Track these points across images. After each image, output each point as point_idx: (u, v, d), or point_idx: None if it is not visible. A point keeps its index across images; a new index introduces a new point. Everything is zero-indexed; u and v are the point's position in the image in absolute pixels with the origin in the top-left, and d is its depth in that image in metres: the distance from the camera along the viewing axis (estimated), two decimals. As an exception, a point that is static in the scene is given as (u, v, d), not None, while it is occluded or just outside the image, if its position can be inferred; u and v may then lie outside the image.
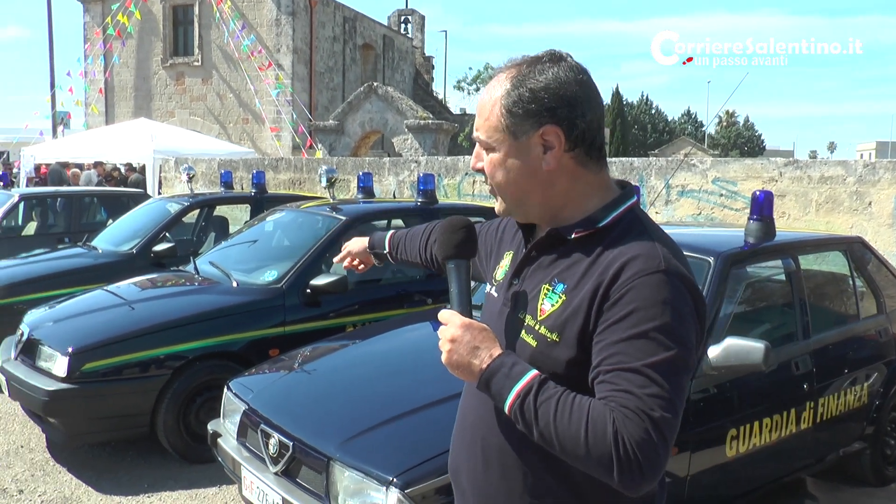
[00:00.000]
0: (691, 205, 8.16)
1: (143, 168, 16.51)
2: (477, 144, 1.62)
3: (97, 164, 17.29)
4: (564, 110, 1.51)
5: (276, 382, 3.98)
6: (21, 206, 10.26)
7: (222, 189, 8.88)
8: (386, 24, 36.34)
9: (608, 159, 1.67)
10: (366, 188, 6.91)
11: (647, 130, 56.70)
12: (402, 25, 38.64)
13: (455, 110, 40.80)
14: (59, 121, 25.78)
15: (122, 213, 8.61)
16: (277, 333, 5.00)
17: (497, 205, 1.65)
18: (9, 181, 14.17)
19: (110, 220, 9.33)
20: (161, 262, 6.70)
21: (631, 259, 1.45)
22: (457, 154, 16.83)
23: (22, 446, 5.16)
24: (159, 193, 13.78)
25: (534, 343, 1.54)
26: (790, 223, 7.39)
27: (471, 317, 1.56)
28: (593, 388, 1.43)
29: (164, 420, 4.70)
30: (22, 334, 5.12)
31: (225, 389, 3.95)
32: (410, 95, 30.77)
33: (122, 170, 18.55)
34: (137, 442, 5.00)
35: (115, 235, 7.57)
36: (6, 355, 5.16)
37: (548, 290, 1.55)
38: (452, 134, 21.83)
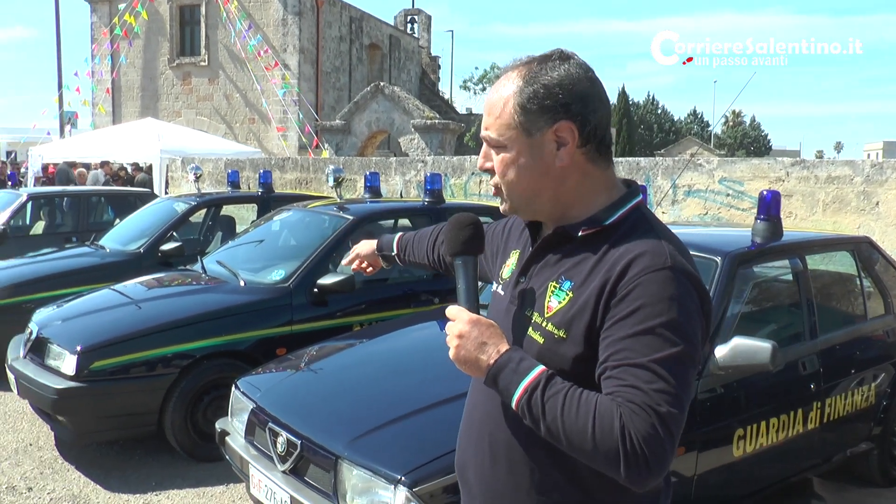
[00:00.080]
0: (698, 205, 8.15)
1: (150, 168, 16.57)
2: (484, 144, 1.63)
3: (104, 164, 17.36)
4: (577, 106, 1.52)
5: (284, 381, 4.00)
6: (29, 205, 10.31)
7: (229, 189, 8.90)
8: (392, 23, 36.36)
9: (615, 159, 1.68)
10: (373, 188, 6.92)
11: (653, 130, 56.63)
12: (409, 25, 38.66)
13: (461, 110, 40.85)
14: (67, 121, 25.91)
15: (130, 213, 8.63)
16: (285, 332, 5.01)
17: (503, 206, 1.65)
18: (17, 181, 14.24)
19: (117, 220, 9.36)
20: (168, 262, 6.72)
21: (638, 256, 1.46)
22: (463, 154, 16.85)
23: (31, 444, 5.18)
24: (166, 193, 13.83)
25: (541, 340, 1.55)
26: (797, 223, 7.37)
27: (478, 313, 1.57)
28: (600, 384, 1.44)
29: (172, 418, 4.71)
30: (31, 333, 5.15)
31: (233, 388, 3.96)
32: (417, 95, 30.81)
33: (129, 169, 18.62)
34: (145, 440, 5.02)
35: (123, 235, 7.59)
36: (15, 354, 5.19)
37: (555, 287, 1.56)
38: (459, 134, 21.85)
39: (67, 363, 4.60)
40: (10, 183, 14.52)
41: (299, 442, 3.25)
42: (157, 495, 4.45)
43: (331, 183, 6.88)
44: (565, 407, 1.40)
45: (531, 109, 1.52)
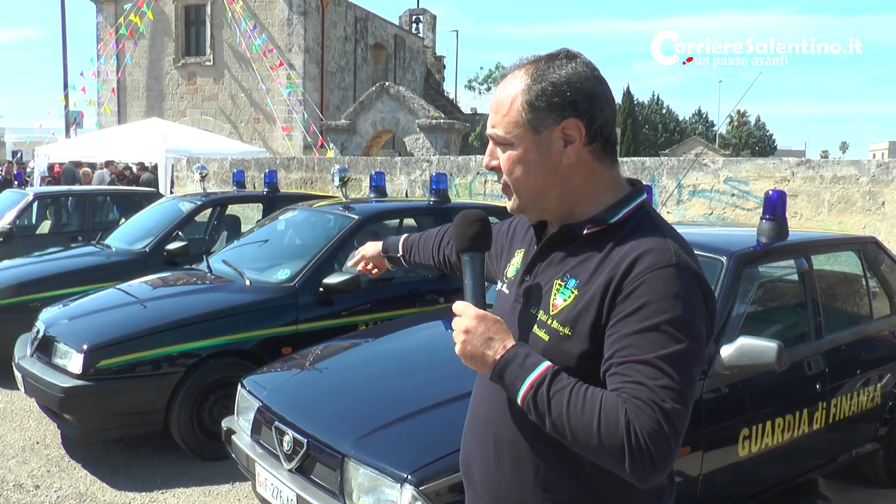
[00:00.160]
0: (703, 204, 8.14)
1: (156, 167, 16.61)
2: (490, 142, 1.64)
3: (108, 164, 17.40)
4: (585, 104, 1.53)
5: (290, 380, 4.01)
6: (35, 205, 10.34)
7: (234, 188, 8.92)
8: (397, 23, 36.38)
9: (620, 159, 1.68)
10: (378, 187, 6.93)
11: (657, 130, 56.54)
12: (414, 25, 38.67)
13: (466, 110, 40.81)
14: (73, 120, 25.98)
15: (135, 212, 8.66)
16: (290, 332, 5.02)
17: (510, 203, 1.66)
18: (23, 180, 14.30)
19: (123, 219, 9.39)
20: (174, 261, 6.74)
21: (643, 253, 1.47)
22: (468, 154, 16.84)
23: (38, 442, 5.20)
24: (171, 192, 13.86)
25: (546, 337, 1.56)
26: (802, 223, 7.36)
27: (485, 309, 1.57)
28: (605, 381, 1.45)
29: (178, 417, 4.73)
30: (37, 332, 5.17)
31: (239, 387, 3.97)
32: (422, 95, 30.80)
33: (134, 169, 18.66)
34: (151, 439, 5.03)
35: (129, 234, 7.62)
36: (22, 352, 5.21)
37: (560, 285, 1.57)
38: (464, 133, 21.85)
39: (74, 362, 4.61)
40: (16, 182, 14.60)
41: (305, 440, 3.26)
42: (163, 493, 4.46)
43: (336, 182, 6.88)
44: (571, 402, 1.40)
45: (539, 107, 1.53)
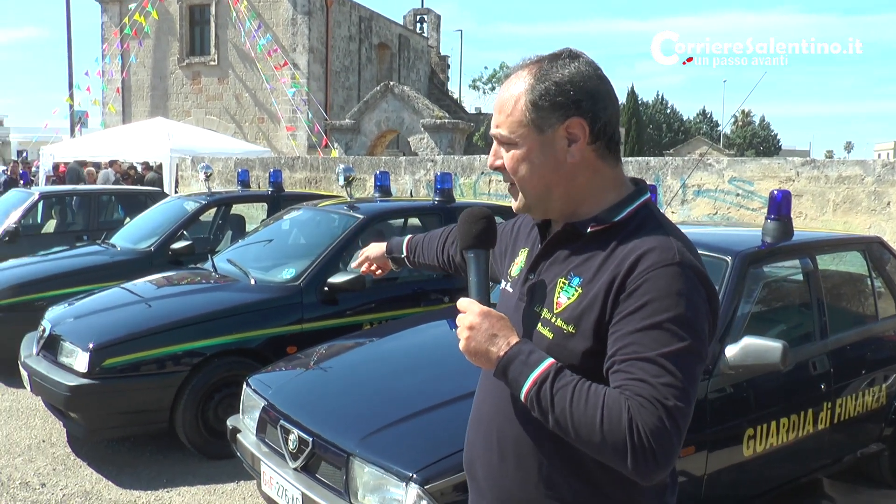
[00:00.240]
0: (707, 204, 8.14)
1: (160, 167, 16.64)
2: (495, 142, 1.64)
3: (113, 163, 17.44)
4: (588, 103, 1.54)
5: (295, 379, 4.02)
6: (41, 204, 10.37)
7: (239, 188, 8.93)
8: (401, 23, 36.37)
9: (624, 159, 1.69)
10: (383, 187, 6.93)
11: (662, 130, 56.52)
12: (418, 25, 38.65)
13: (470, 109, 40.82)
14: (77, 120, 26.03)
15: (140, 212, 8.68)
16: (295, 331, 5.03)
17: (515, 203, 1.67)
18: (28, 180, 14.34)
19: (128, 219, 9.41)
20: (179, 260, 6.76)
21: (647, 251, 1.48)
22: (472, 153, 16.85)
23: (43, 441, 5.22)
24: (176, 192, 13.88)
25: (550, 335, 1.57)
26: (807, 223, 7.35)
27: (489, 305, 1.58)
28: (608, 378, 1.46)
29: (183, 416, 4.74)
30: (43, 330, 5.19)
31: (244, 386, 3.98)
32: (426, 95, 30.82)
33: (139, 168, 18.70)
34: (157, 437, 5.05)
35: (134, 233, 7.64)
36: (28, 351, 5.23)
37: (564, 283, 1.58)
38: (468, 133, 21.85)
39: (80, 360, 4.63)
40: (21, 182, 14.63)
41: (311, 439, 3.26)
42: (168, 492, 4.47)
43: (341, 182, 6.89)
44: (574, 399, 1.41)
45: (543, 106, 1.54)
